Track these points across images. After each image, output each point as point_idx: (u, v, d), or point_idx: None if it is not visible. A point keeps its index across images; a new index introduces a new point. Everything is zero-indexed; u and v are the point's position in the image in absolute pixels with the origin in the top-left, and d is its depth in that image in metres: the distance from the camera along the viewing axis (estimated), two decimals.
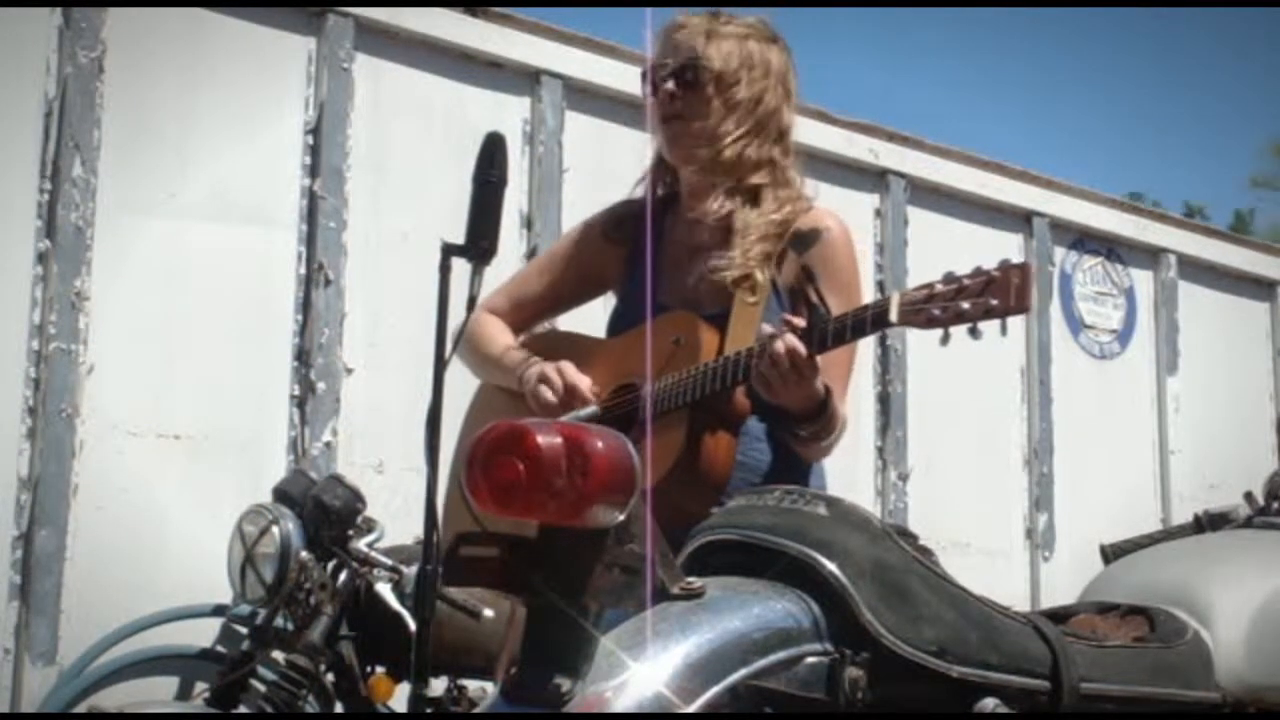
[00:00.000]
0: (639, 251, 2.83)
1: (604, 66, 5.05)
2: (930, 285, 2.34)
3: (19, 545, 3.96)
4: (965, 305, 2.28)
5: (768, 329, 2.50)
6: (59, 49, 4.15)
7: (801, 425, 2.59)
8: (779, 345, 2.45)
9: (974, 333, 2.30)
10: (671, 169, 2.86)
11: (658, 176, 2.89)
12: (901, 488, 5.57)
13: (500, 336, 2.91)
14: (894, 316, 2.36)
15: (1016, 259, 2.37)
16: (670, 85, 2.74)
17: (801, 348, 2.44)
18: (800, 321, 2.48)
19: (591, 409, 2.66)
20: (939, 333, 2.32)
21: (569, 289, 2.98)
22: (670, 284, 2.78)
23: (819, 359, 2.48)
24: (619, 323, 2.85)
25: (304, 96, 4.57)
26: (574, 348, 2.86)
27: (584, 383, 2.71)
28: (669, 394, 2.60)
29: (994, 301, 2.26)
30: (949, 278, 2.33)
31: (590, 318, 3.05)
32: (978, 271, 2.30)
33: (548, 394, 2.70)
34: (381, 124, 4.69)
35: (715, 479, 2.57)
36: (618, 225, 2.90)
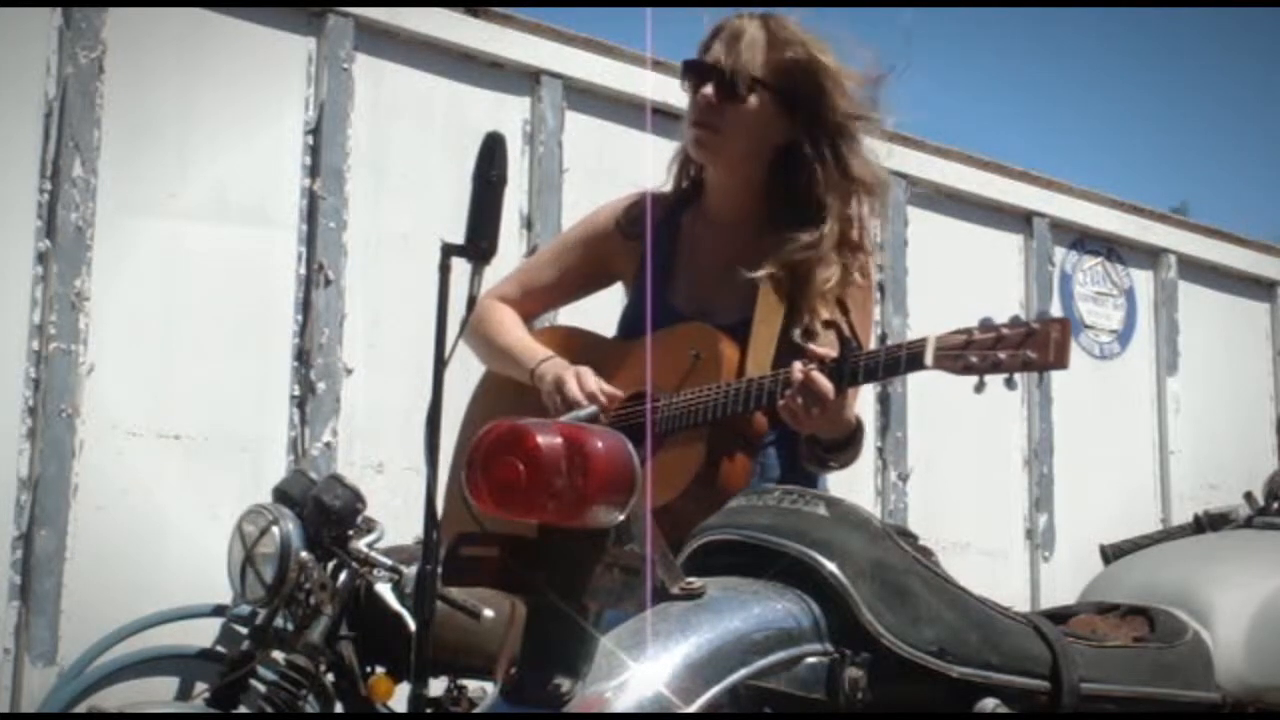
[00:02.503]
0: (654, 247, 2.77)
1: (604, 66, 5.04)
2: (968, 331, 2.32)
3: (19, 545, 3.96)
4: (1002, 356, 2.27)
5: (798, 365, 2.46)
6: (59, 49, 4.15)
7: (833, 456, 2.58)
8: (807, 382, 2.42)
9: (1010, 383, 2.29)
10: (697, 164, 2.80)
11: (681, 171, 2.83)
12: (901, 488, 5.57)
13: (513, 326, 2.84)
14: (929, 360, 2.35)
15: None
16: (710, 91, 2.66)
17: (829, 387, 2.42)
18: (830, 353, 2.45)
19: (591, 409, 2.62)
20: (974, 378, 2.31)
21: (580, 279, 2.92)
22: (685, 285, 2.73)
23: None
24: (632, 323, 2.79)
25: (304, 96, 4.57)
26: (588, 348, 2.81)
27: (607, 391, 2.64)
28: (688, 410, 2.56)
29: (1032, 355, 2.26)
30: (986, 325, 2.31)
31: (603, 307, 3.02)
32: (1016, 322, 2.29)
33: (561, 404, 2.62)
34: (381, 124, 4.69)
35: (731, 497, 2.56)
36: (634, 219, 2.82)
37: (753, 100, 2.65)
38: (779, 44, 2.65)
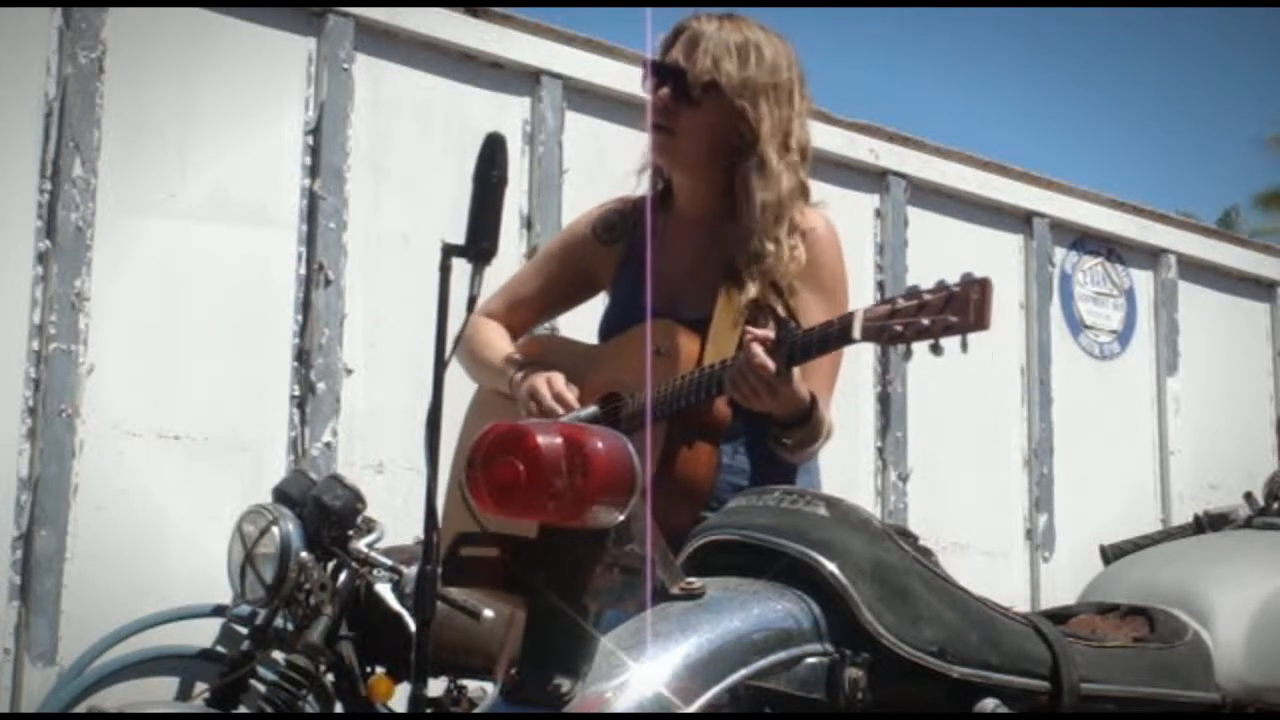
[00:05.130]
0: (631, 252, 2.81)
1: (604, 66, 5.05)
2: (893, 300, 2.35)
3: (19, 545, 3.96)
4: (926, 322, 2.28)
5: (745, 350, 2.48)
6: (59, 49, 4.15)
7: (787, 433, 2.59)
8: (747, 362, 2.45)
9: (936, 349, 2.30)
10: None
11: (655, 173, 2.86)
12: (901, 488, 5.57)
13: (495, 340, 2.89)
14: (857, 333, 2.38)
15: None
16: (666, 93, 2.69)
17: (769, 363, 2.44)
18: (767, 334, 2.48)
19: (591, 409, 2.65)
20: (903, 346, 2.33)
21: (562, 290, 2.97)
22: (656, 285, 2.75)
23: (800, 368, 2.48)
24: (608, 326, 2.84)
25: (304, 96, 4.57)
26: (567, 354, 2.85)
27: (571, 397, 2.69)
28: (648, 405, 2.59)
29: (953, 318, 2.26)
30: (911, 292, 2.33)
31: (596, 317, 3.03)
32: (940, 286, 2.30)
33: (536, 410, 2.68)
34: (381, 124, 4.69)
35: (697, 489, 2.57)
36: (609, 226, 2.87)
37: (706, 103, 2.67)
38: (735, 47, 2.68)
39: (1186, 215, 7.63)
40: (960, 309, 2.26)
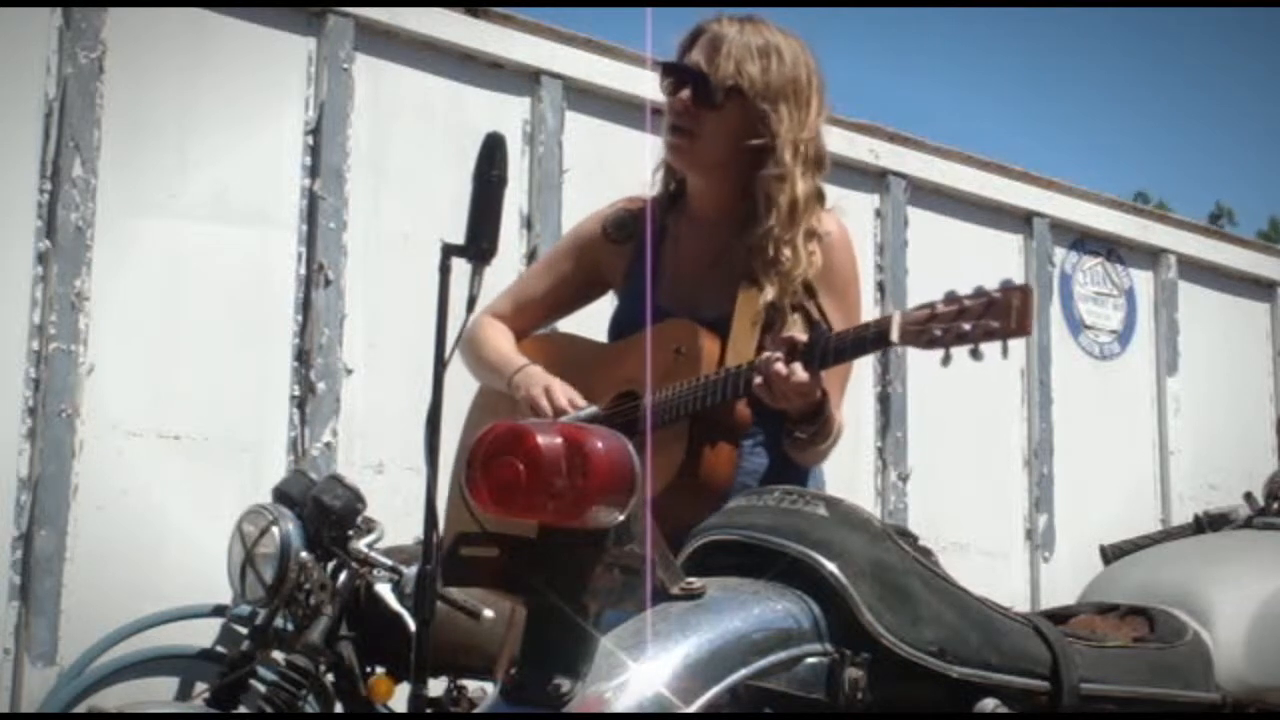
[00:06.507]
0: (641, 252, 2.81)
1: (604, 66, 5.05)
2: (932, 305, 2.34)
3: (19, 545, 3.96)
4: (966, 326, 2.28)
5: (769, 353, 2.49)
6: (59, 49, 4.15)
7: (799, 427, 2.59)
8: (780, 367, 2.45)
9: (975, 354, 2.29)
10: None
11: (668, 174, 2.86)
12: (901, 488, 5.57)
13: (498, 341, 2.88)
14: (895, 336, 2.37)
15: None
16: (687, 95, 2.69)
17: (802, 372, 2.44)
18: (801, 337, 2.48)
19: (591, 409, 2.65)
20: (940, 351, 2.32)
21: (572, 290, 2.95)
22: (670, 285, 2.76)
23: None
24: (619, 325, 2.83)
25: (304, 96, 4.57)
26: (574, 352, 2.85)
27: (577, 404, 2.68)
28: (670, 406, 2.59)
29: (994, 324, 2.26)
30: (950, 297, 2.32)
31: (601, 316, 3.03)
32: (979, 292, 2.29)
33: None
34: (381, 124, 4.69)
35: (716, 489, 2.56)
36: (620, 225, 2.86)
37: (728, 107, 2.67)
38: (757, 50, 2.68)
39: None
40: (1001, 314, 2.26)
